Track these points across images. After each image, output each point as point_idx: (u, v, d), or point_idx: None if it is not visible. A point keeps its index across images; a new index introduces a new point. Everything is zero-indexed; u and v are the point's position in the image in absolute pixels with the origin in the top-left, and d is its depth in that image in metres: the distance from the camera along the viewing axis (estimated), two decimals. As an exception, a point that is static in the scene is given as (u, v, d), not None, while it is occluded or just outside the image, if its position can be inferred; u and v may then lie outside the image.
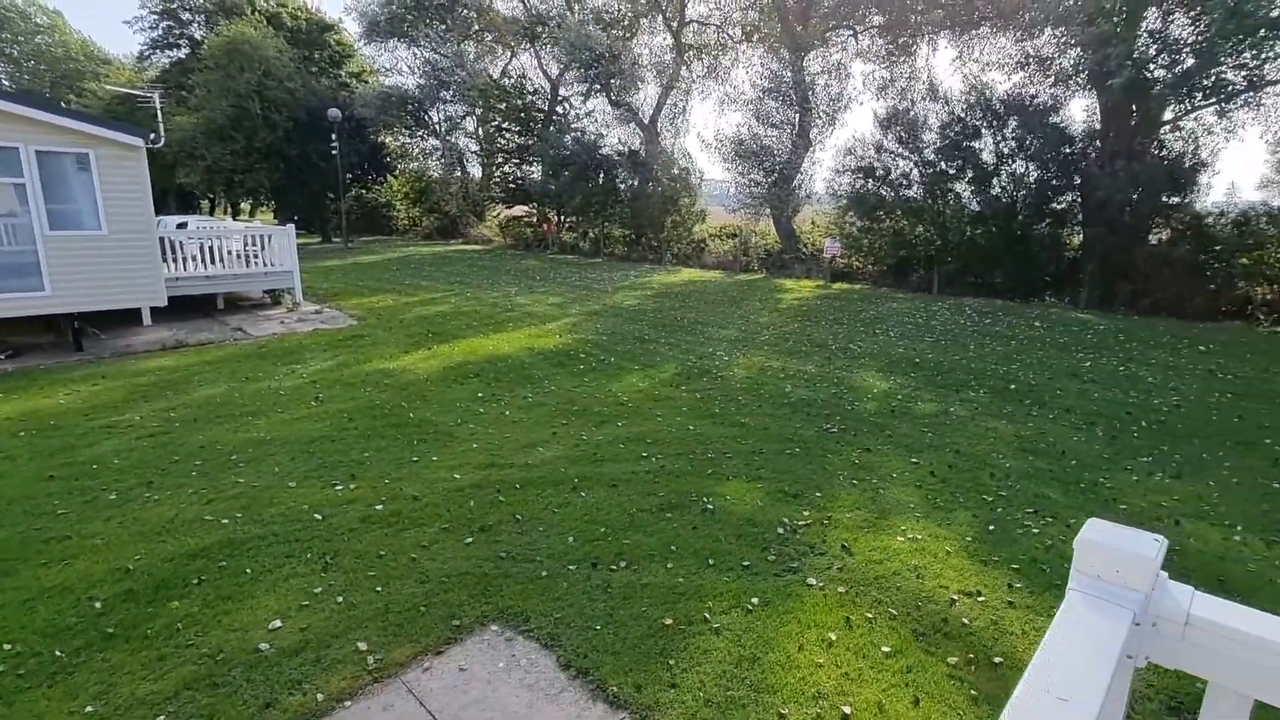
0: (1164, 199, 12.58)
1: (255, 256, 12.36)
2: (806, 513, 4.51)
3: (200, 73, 25.27)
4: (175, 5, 33.22)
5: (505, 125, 23.94)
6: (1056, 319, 11.76)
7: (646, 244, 21.13)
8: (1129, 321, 11.66)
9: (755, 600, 3.56)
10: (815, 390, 7.25)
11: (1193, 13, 12.24)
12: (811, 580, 3.74)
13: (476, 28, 25.71)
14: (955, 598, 3.57)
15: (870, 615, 3.43)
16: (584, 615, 3.42)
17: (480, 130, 26.12)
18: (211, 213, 38.55)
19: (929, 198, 14.96)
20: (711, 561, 3.94)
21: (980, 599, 3.57)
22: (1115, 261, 13.00)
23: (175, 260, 11.10)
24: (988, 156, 14.71)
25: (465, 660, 3.11)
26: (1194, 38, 12.40)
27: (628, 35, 23.32)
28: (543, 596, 3.58)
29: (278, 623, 3.31)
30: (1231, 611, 1.01)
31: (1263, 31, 11.66)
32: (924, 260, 15.41)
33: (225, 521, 4.32)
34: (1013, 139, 14.16)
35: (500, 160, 25.18)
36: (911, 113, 15.34)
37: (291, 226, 12.64)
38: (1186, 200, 12.93)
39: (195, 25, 33.61)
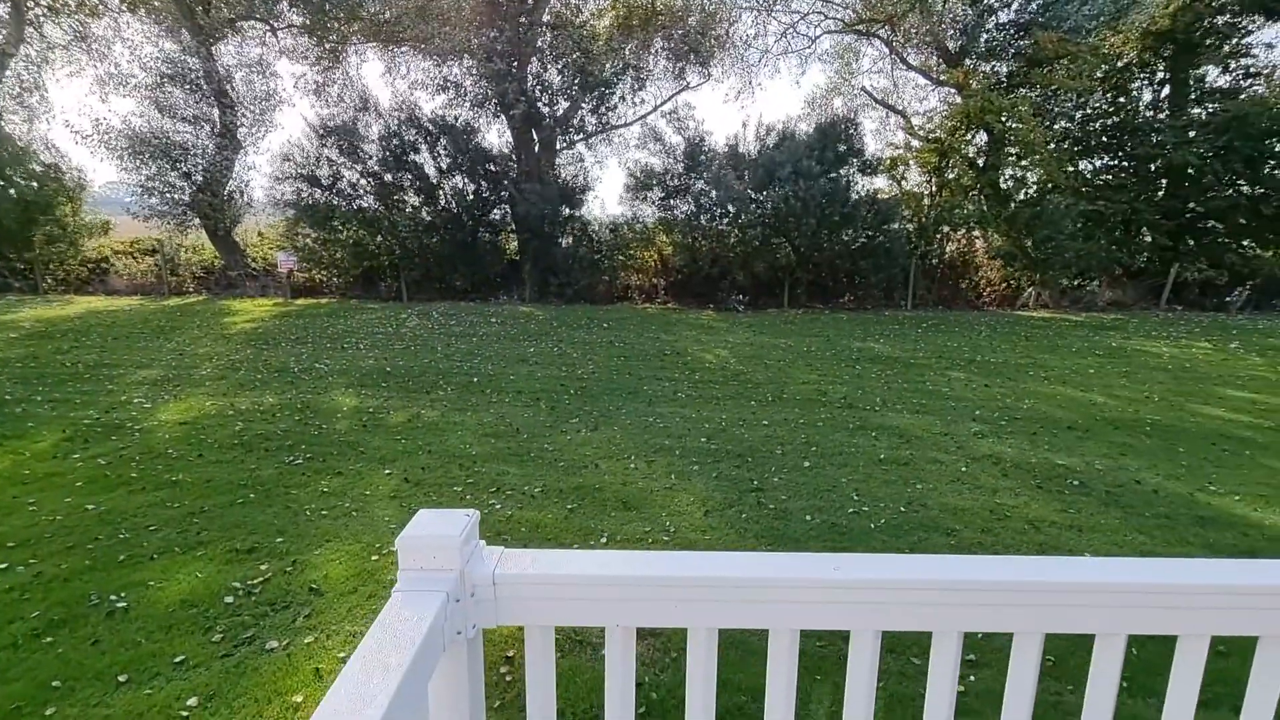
0: (564, 212, 15.77)
1: None
2: (265, 566, 3.88)
3: None
4: None
5: None
6: (508, 314, 13.51)
7: (5, 269, 15.16)
8: (560, 310, 14.29)
9: (193, 701, 2.82)
10: (274, 422, 6.40)
11: (558, 66, 15.57)
12: (272, 644, 3.20)
13: None
14: (430, 597, 3.59)
15: (343, 654, 3.13)
16: None
17: None
18: None
19: (382, 207, 15.10)
20: (125, 678, 2.96)
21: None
22: (543, 262, 15.72)
23: None
24: (430, 170, 15.73)
25: None
26: (563, 86, 15.82)
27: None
28: None
29: None
30: (528, 559, 1.12)
31: (602, 89, 15.73)
32: (389, 269, 15.57)
33: None
34: (447, 156, 15.48)
35: None
36: (352, 122, 15.12)
37: None
38: (579, 213, 16.54)
39: None
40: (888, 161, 16.76)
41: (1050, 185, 16.06)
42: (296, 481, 5.05)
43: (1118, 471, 5.37)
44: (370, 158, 14.92)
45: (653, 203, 15.96)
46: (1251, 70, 15.73)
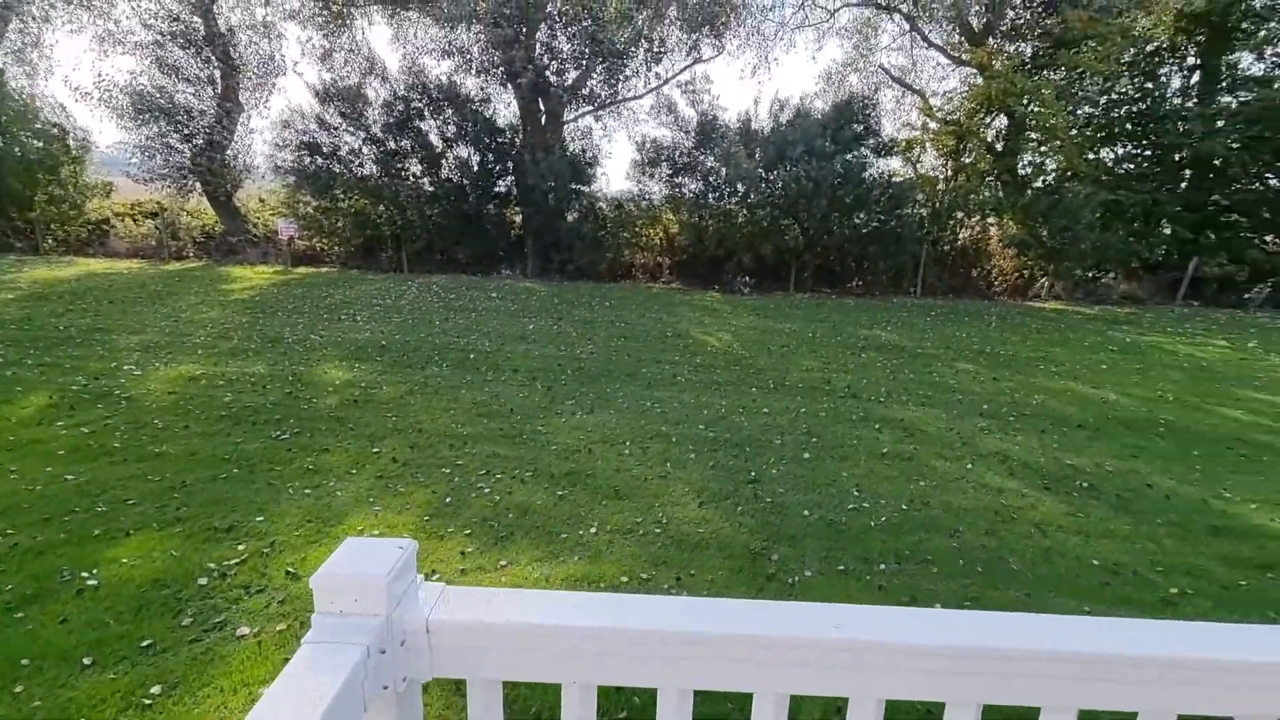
0: (571, 186, 15.45)
1: None
2: (242, 547, 3.76)
3: None
4: None
5: None
6: (509, 290, 13.31)
7: (8, 228, 15.00)
8: (561, 287, 14.08)
9: (157, 689, 2.71)
10: (265, 394, 6.26)
11: (568, 34, 15.14)
12: (244, 630, 3.08)
13: None
14: (411, 586, 3.47)
15: (316, 644, 3.01)
16: None
17: None
18: None
19: (385, 176, 14.82)
20: (90, 660, 2.85)
21: (435, 577, 3.56)
22: (546, 237, 15.46)
23: None
24: (434, 139, 15.41)
25: None
26: (573, 54, 15.41)
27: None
28: None
29: None
30: (472, 601, 0.96)
31: (614, 59, 15.31)
32: (391, 240, 15.35)
33: None
34: (452, 125, 15.15)
35: None
36: (356, 88, 14.75)
37: None
38: (588, 188, 16.19)
39: None
40: (903, 143, 16.32)
41: (1070, 173, 15.64)
42: (281, 457, 4.92)
43: (1129, 474, 5.19)
44: (374, 124, 14.60)
45: (660, 179, 15.62)
46: (1288, 58, 15.17)
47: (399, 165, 15.02)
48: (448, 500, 4.40)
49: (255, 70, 16.15)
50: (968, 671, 0.89)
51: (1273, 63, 15.37)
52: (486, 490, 4.56)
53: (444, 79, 15.18)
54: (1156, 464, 5.41)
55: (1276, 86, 14.70)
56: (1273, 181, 15.17)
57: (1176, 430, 6.26)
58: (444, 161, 15.38)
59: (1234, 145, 14.45)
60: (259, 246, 15.59)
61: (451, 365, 7.55)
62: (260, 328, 8.80)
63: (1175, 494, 4.84)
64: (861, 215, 14.68)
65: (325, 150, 14.36)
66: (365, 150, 14.75)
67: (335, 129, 14.37)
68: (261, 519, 4.06)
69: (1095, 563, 3.86)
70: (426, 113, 14.99)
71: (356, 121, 14.39)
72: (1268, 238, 15.51)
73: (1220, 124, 14.70)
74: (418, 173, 15.39)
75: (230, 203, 15.99)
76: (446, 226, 15.22)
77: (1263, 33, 14.97)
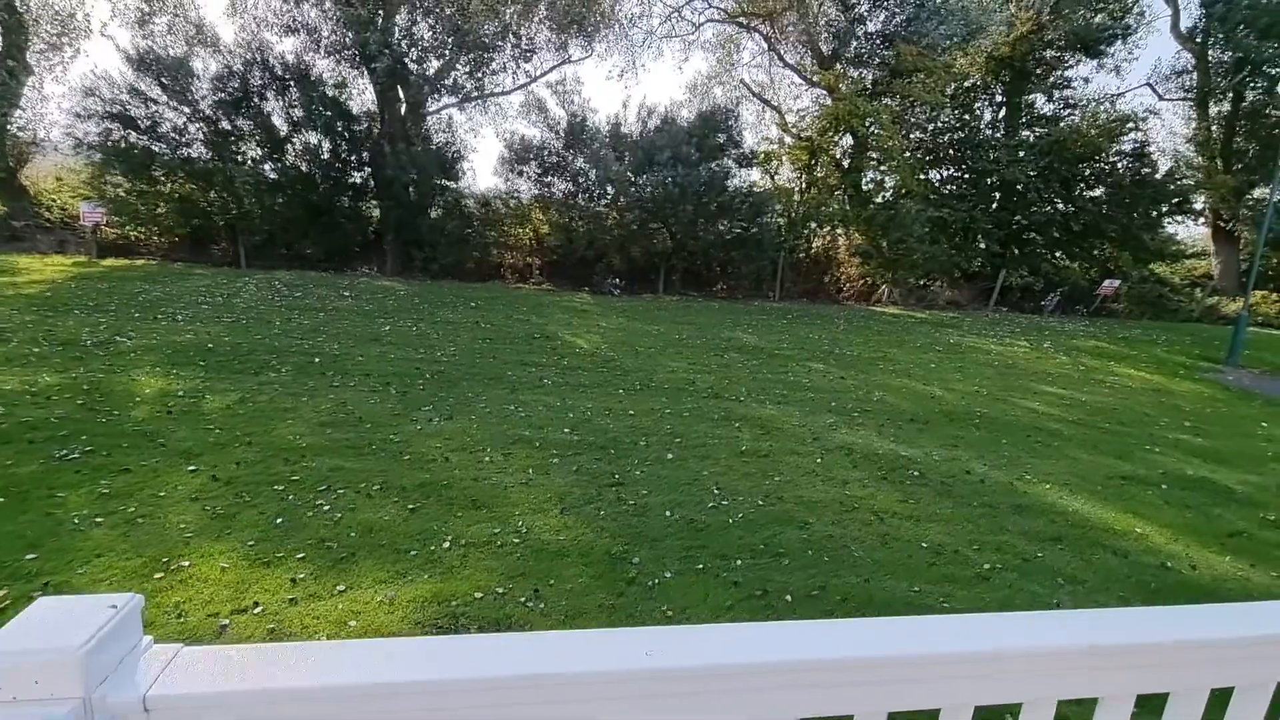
0: (435, 181, 14.73)
1: None
2: (3, 591, 3.12)
3: None
4: None
5: None
6: (365, 288, 12.42)
7: None
8: (423, 286, 13.36)
9: None
10: (48, 407, 5.31)
11: (429, 21, 14.44)
12: None
13: None
14: (226, 622, 3.05)
15: (97, 703, 2.54)
16: None
17: None
18: None
19: (217, 159, 13.26)
20: None
21: (258, 610, 3.16)
22: (407, 233, 14.63)
23: None
24: (279, 122, 14.06)
25: None
26: (435, 44, 14.71)
27: None
28: None
29: None
30: (210, 666, 0.78)
31: (479, 52, 14.81)
32: (225, 230, 13.79)
33: None
34: (300, 107, 13.89)
35: None
36: (182, 57, 13.06)
37: None
38: (454, 184, 15.51)
39: None
40: (762, 155, 17.23)
41: (904, 190, 17.29)
42: (66, 481, 4.17)
43: (951, 462, 5.75)
44: (203, 99, 13.02)
45: (529, 178, 15.33)
46: (1070, 101, 17.82)
47: (234, 148, 13.52)
48: (279, 521, 3.94)
49: (50, 29, 13.84)
50: (781, 686, 0.86)
51: (1060, 104, 17.98)
52: (326, 508, 4.15)
53: (290, 57, 13.89)
54: (973, 452, 6.05)
55: (1061, 125, 17.20)
56: (1060, 206, 17.72)
57: (988, 421, 7.06)
58: (289, 147, 14.08)
59: (1031, 174, 16.71)
60: (54, 233, 13.35)
61: (293, 370, 6.86)
62: (50, 328, 7.50)
63: (988, 478, 5.43)
64: (725, 222, 15.28)
65: (141, 124, 12.58)
66: (193, 129, 13.11)
67: (155, 102, 12.64)
68: (33, 556, 3.40)
69: (924, 545, 4.21)
70: (269, 92, 13.63)
71: (181, 96, 12.75)
72: (1057, 254, 18.10)
73: (1021, 155, 16.94)
74: (257, 157, 13.94)
75: (14, 181, 13.56)
76: (292, 218, 13.93)
77: (1051, 79, 17.47)
